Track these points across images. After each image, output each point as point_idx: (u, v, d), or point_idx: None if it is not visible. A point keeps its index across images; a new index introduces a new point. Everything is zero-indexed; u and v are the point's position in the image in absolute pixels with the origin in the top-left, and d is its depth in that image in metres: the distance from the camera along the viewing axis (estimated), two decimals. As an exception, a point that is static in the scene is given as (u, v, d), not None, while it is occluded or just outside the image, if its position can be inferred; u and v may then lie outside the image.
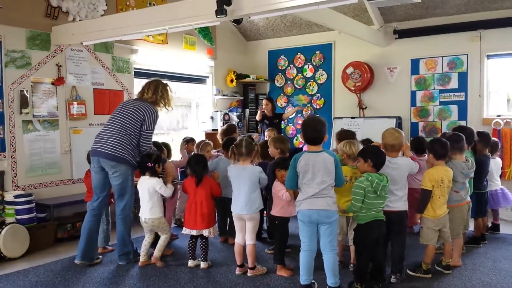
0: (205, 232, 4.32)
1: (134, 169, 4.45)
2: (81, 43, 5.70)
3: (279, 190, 4.04)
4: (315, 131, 3.54)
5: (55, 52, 5.62)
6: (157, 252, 4.49)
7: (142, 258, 4.47)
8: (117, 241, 4.53)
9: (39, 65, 5.46)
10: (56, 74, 5.63)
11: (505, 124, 6.50)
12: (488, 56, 6.71)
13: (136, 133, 4.36)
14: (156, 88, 4.55)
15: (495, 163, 5.36)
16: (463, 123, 6.64)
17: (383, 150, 3.88)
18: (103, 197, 4.45)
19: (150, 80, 4.69)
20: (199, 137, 7.11)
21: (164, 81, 4.76)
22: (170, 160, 5.27)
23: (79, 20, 5.70)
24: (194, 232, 4.34)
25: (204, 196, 4.33)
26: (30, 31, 5.37)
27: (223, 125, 7.40)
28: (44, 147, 5.53)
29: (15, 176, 5.24)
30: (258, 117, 7.65)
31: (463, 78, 6.84)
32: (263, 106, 7.64)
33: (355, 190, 3.60)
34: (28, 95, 5.32)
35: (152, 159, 4.48)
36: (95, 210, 4.45)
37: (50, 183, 5.57)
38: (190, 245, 4.43)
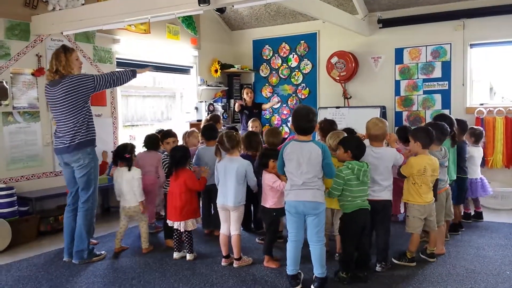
0: (175, 225, 4.29)
1: (94, 146, 4.31)
2: (62, 33, 5.57)
3: (274, 181, 3.99)
4: (307, 120, 3.49)
5: (35, 42, 5.51)
6: (144, 243, 4.58)
7: (117, 245, 4.59)
8: (75, 236, 4.33)
9: (18, 55, 5.34)
10: (36, 65, 5.52)
11: (488, 112, 6.56)
12: (471, 45, 6.75)
13: (83, 107, 4.16)
14: (54, 62, 4.16)
15: (478, 152, 5.41)
16: (446, 112, 6.66)
17: (365, 140, 3.89)
18: (76, 191, 4.37)
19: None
20: (184, 128, 7.07)
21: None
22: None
23: (59, 10, 5.58)
24: (170, 223, 4.35)
25: (178, 188, 4.27)
26: (9, 21, 5.24)
27: (208, 115, 7.36)
28: (25, 139, 5.43)
29: (-5, 169, 5.15)
30: (237, 108, 7.63)
31: (446, 67, 6.88)
32: (246, 94, 7.61)
33: (335, 179, 3.63)
34: (7, 87, 5.20)
35: (128, 150, 4.54)
36: (71, 206, 4.39)
37: (31, 176, 5.48)
38: (175, 237, 4.41)
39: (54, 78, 4.18)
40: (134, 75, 4.50)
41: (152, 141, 5.23)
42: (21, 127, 5.38)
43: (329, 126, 4.68)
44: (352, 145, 3.72)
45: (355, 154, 3.69)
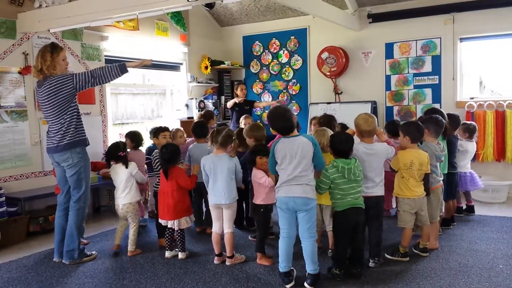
0: (169, 224, 4.25)
1: (86, 146, 4.26)
2: (48, 30, 5.50)
3: (261, 177, 3.97)
4: (284, 120, 3.51)
5: (21, 40, 5.42)
6: (131, 246, 4.48)
7: (117, 241, 4.52)
8: (66, 235, 4.27)
9: (4, 53, 5.26)
10: (23, 63, 5.43)
11: (478, 106, 6.57)
12: (461, 39, 6.75)
13: (68, 108, 4.10)
14: (40, 59, 4.07)
15: (472, 147, 5.42)
16: (437, 106, 6.67)
17: (355, 137, 3.89)
18: (67, 191, 4.33)
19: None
20: (175, 125, 7.01)
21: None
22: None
23: (46, 7, 5.47)
24: (163, 223, 4.31)
25: (170, 187, 4.24)
26: (-6, 18, 5.16)
27: (202, 111, 7.29)
28: (13, 138, 5.35)
29: (-18, 170, 5.07)
30: (229, 105, 7.58)
31: (436, 61, 6.88)
32: (241, 91, 7.56)
33: (321, 178, 3.63)
34: (-7, 85, 5.13)
35: (121, 148, 4.54)
36: (62, 205, 4.35)
37: (20, 176, 5.40)
38: (167, 235, 4.37)
39: (39, 78, 4.14)
40: (124, 70, 4.25)
41: (138, 138, 5.24)
42: (8, 126, 5.30)
43: (328, 121, 4.67)
44: (333, 142, 3.72)
45: (337, 152, 3.68)
